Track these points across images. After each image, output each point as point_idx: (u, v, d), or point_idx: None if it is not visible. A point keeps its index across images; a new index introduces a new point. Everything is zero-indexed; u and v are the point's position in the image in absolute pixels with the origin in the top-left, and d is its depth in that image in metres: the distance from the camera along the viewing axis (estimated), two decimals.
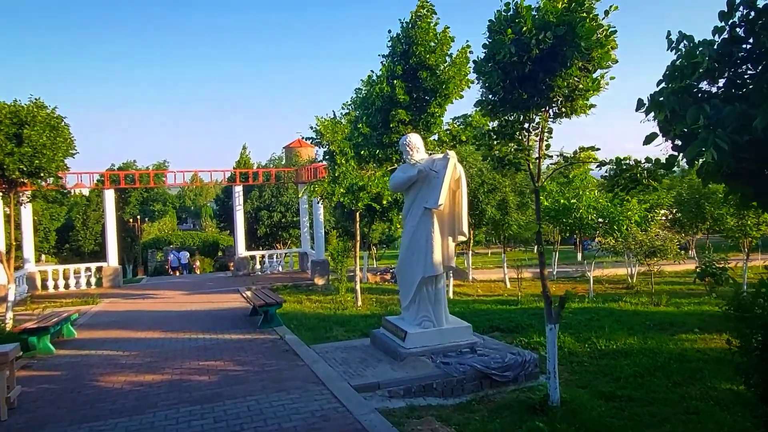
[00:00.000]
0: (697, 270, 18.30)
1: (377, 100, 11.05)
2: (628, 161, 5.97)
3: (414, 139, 8.51)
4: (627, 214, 17.03)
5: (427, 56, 10.76)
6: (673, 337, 10.04)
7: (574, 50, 5.63)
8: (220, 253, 42.61)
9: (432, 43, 10.81)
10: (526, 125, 6.41)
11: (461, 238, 8.49)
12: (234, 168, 27.83)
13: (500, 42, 5.64)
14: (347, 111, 15.52)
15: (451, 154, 8.00)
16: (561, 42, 5.61)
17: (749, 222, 17.99)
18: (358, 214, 15.71)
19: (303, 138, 14.87)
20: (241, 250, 22.56)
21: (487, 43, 6.01)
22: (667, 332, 10.53)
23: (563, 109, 6.35)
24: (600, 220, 17.34)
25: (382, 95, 11.04)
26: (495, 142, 6.65)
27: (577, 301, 16.31)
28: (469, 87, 10.93)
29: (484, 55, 6.25)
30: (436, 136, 11.56)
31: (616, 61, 6.15)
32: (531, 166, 6.67)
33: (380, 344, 8.82)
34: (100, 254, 33.56)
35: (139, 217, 35.28)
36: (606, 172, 6.35)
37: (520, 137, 6.46)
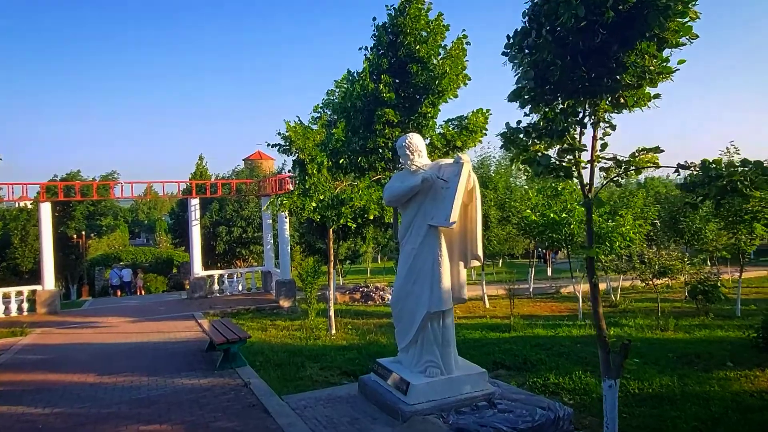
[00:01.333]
0: (688, 287, 17.30)
1: (358, 100, 9.41)
2: (719, 166, 4.50)
3: (416, 140, 6.89)
4: (620, 230, 15.86)
5: (418, 47, 9.24)
6: (708, 374, 8.68)
7: (658, 15, 4.12)
8: (174, 270, 39.84)
9: (423, 33, 9.30)
10: (584, 118, 4.84)
11: (475, 263, 6.88)
12: (190, 179, 25.55)
13: (562, 2, 4.07)
14: (318, 114, 13.81)
15: (465, 158, 6.40)
16: (643, 3, 4.10)
17: (743, 237, 17.17)
18: (331, 230, 13.95)
19: (269, 145, 13.10)
20: (198, 270, 20.35)
21: (535, 4, 4.45)
22: (698, 367, 9.19)
23: (623, 99, 4.84)
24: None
25: (364, 93, 9.41)
26: (535, 142, 5.05)
27: (569, 324, 14.97)
28: (465, 84, 9.44)
29: (524, 24, 4.70)
30: (428, 141, 10.00)
31: (696, 37, 4.69)
32: (580, 172, 5.12)
33: (373, 396, 7.06)
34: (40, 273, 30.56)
35: (84, 232, 32.28)
36: (683, 179, 4.89)
37: (572, 133, 4.89)
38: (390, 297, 24.57)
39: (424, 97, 9.28)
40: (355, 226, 13.01)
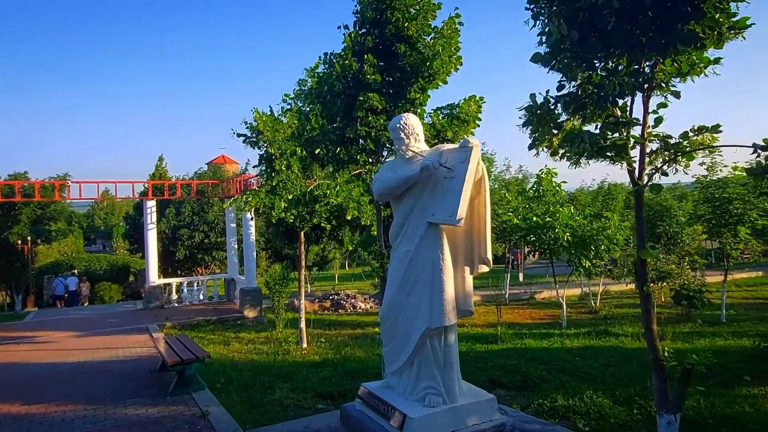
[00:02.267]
0: (672, 293, 16.67)
1: (338, 82, 8.22)
2: None
3: (412, 121, 5.75)
4: (606, 233, 15.10)
5: (406, 25, 8.14)
6: (730, 390, 7.80)
7: None
8: (131, 278, 37.57)
9: (412, 9, 8.20)
10: (644, 82, 3.78)
11: (483, 269, 5.75)
12: (148, 180, 23.74)
13: None
14: (289, 106, 12.52)
15: (473, 141, 5.29)
16: None
17: (729, 240, 16.69)
18: (303, 233, 12.67)
19: (236, 135, 11.74)
20: (153, 278, 18.67)
21: None
22: (713, 382, 8.31)
23: (677, 63, 3.82)
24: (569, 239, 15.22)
25: (345, 74, 8.22)
26: (568, 118, 3.97)
27: (558, 333, 14.07)
28: (457, 69, 8.36)
29: None
30: None
31: None
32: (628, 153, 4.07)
33: (360, 430, 5.85)
34: None
35: (29, 238, 29.84)
36: (753, 163, 3.89)
37: (624, 103, 3.83)
38: (362, 305, 23.33)
39: (412, 81, 8.18)
40: (329, 227, 11.77)
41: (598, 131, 4.01)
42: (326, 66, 8.74)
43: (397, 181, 5.57)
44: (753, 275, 31.13)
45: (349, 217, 8.09)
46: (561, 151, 4.23)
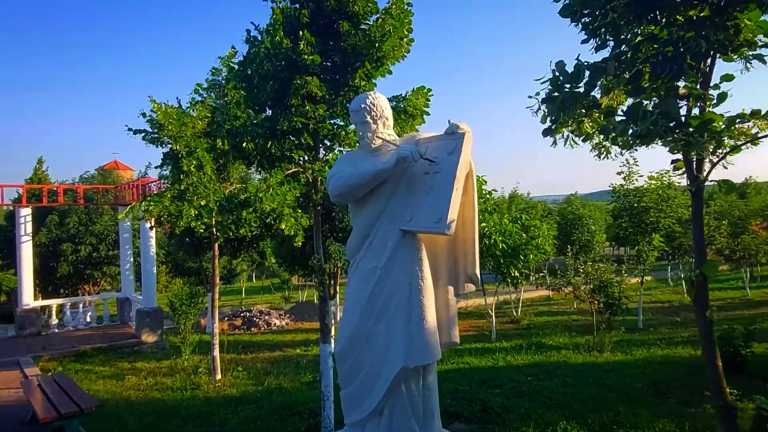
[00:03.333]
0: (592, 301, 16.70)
1: (267, 61, 6.79)
2: None
3: (382, 103, 4.54)
4: (535, 242, 14.75)
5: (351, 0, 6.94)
6: (697, 409, 7.29)
7: None
8: (3, 298, 32.67)
9: None
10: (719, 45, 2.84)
11: (470, 288, 4.62)
12: (23, 184, 20.32)
13: None
14: (201, 98, 10.77)
15: (464, 127, 4.17)
16: None
17: (645, 248, 17.08)
18: (217, 245, 10.93)
19: (133, 132, 9.80)
20: (28, 299, 15.73)
21: None
22: (674, 398, 7.82)
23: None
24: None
25: (275, 54, 6.81)
26: (623, 85, 2.96)
27: (493, 348, 13.39)
28: (408, 51, 7.25)
29: None
30: (353, 126, 7.61)
31: None
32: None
33: None
34: None
35: None
36: None
37: (690, 76, 2.88)
38: (278, 322, 21.49)
39: (357, 66, 6.95)
40: (251, 236, 10.17)
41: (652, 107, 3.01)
42: (251, 44, 7.27)
43: (364, 177, 4.29)
44: (647, 279, 33.06)
45: (283, 226, 6.67)
46: (595, 135, 3.21)
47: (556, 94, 3.28)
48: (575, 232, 24.76)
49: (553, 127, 3.53)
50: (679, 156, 3.40)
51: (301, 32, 6.75)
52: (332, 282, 14.87)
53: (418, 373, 4.33)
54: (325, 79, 7.07)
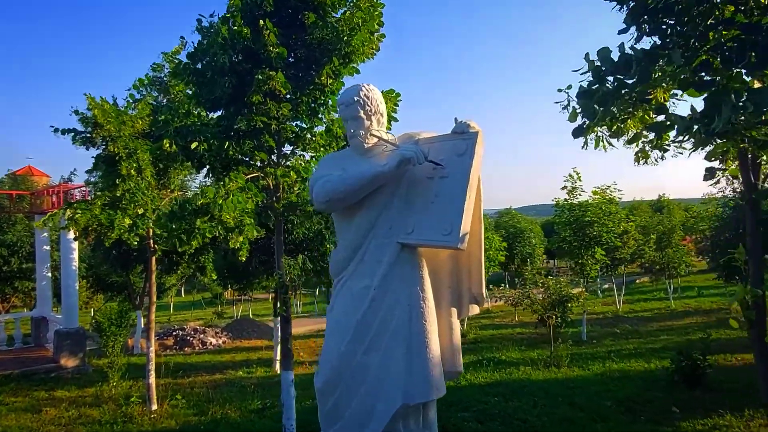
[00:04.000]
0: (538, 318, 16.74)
1: (223, 54, 6.03)
2: None
3: (376, 96, 3.96)
4: (487, 254, 14.55)
5: None
6: (668, 428, 7.11)
7: None
8: None
9: None
10: None
11: (475, 310, 4.09)
12: None
13: None
14: (141, 96, 9.71)
15: (474, 125, 3.66)
16: None
17: (588, 261, 17.37)
18: (155, 258, 9.84)
19: (61, 132, 8.60)
20: None
21: None
22: (645, 416, 7.63)
23: None
24: None
25: (233, 44, 6.07)
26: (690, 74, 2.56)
27: None
28: (378, 50, 6.70)
29: None
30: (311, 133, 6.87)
31: None
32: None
33: None
34: None
35: None
36: None
37: None
38: (213, 341, 20.10)
39: (324, 62, 6.31)
40: (192, 250, 9.21)
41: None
42: (204, 35, 6.48)
43: (359, 181, 3.67)
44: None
45: (241, 239, 5.86)
46: (644, 136, 2.78)
47: (595, 86, 2.82)
48: (518, 245, 25.06)
49: (585, 126, 3.08)
50: (715, 164, 3.04)
51: (261, 21, 6.04)
52: (277, 300, 13.96)
53: (418, 410, 3.74)
54: (289, 76, 6.38)
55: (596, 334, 19.00)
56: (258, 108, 6.09)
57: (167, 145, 5.84)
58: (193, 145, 5.88)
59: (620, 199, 17.72)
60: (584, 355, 13.43)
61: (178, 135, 6.07)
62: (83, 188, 15.22)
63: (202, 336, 19.60)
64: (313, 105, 6.49)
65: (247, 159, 6.26)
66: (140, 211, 8.66)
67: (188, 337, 19.39)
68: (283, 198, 6.50)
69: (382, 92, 7.21)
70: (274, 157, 6.54)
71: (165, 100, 9.90)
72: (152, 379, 9.39)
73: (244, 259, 7.35)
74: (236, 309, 38.00)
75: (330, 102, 6.61)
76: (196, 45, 6.57)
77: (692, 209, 31.19)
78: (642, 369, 10.88)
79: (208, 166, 6.57)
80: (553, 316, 11.96)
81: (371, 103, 3.86)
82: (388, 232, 3.79)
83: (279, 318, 13.88)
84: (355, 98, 3.81)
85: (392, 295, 3.73)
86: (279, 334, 13.82)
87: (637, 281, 38.93)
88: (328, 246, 12.38)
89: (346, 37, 6.32)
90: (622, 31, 3.20)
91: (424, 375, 3.60)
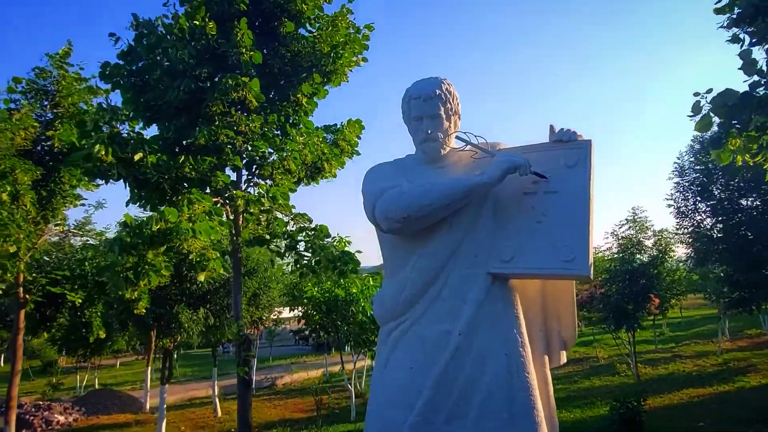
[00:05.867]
0: None
1: (180, 50, 4.89)
2: None
3: (457, 93, 3.24)
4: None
5: None
6: None
7: None
8: None
9: None
10: None
11: (563, 358, 3.36)
12: None
13: None
14: (17, 104, 7.76)
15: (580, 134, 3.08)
16: None
17: None
18: (23, 312, 7.63)
19: None
20: None
21: None
22: None
23: None
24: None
25: (192, 39, 4.96)
26: None
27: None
28: (359, 64, 5.97)
29: None
30: (276, 156, 5.76)
31: None
32: None
33: None
34: None
35: None
36: None
37: None
38: (62, 419, 16.41)
39: (303, 77, 5.39)
40: (80, 301, 7.36)
41: None
42: (141, 33, 5.23)
43: (451, 193, 2.83)
44: None
45: (201, 278, 4.52)
46: None
47: (758, 91, 2.44)
48: None
49: (723, 135, 2.67)
50: None
51: (235, 21, 5.04)
52: (168, 363, 11.76)
53: None
54: (260, 86, 5.37)
55: None
56: (221, 120, 4.96)
57: (101, 152, 4.41)
58: (137, 156, 4.54)
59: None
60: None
61: (114, 143, 4.67)
62: None
63: (46, 414, 15.94)
64: (284, 125, 5.50)
65: (204, 180, 5.01)
66: (12, 249, 6.69)
67: (27, 416, 15.62)
68: (247, 230, 5.29)
69: (349, 120, 6.47)
70: (233, 180, 5.36)
71: (50, 114, 8.07)
72: None
73: (144, 311, 5.95)
74: (78, 379, 32.40)
75: (302, 122, 5.67)
76: (130, 43, 5.30)
77: None
78: (592, 414, 10.88)
79: (135, 190, 5.16)
80: None
81: (453, 101, 3.13)
82: (473, 261, 2.97)
83: (164, 386, 11.69)
84: (437, 91, 3.04)
85: (483, 343, 2.88)
86: (161, 405, 11.59)
87: None
88: (229, 300, 10.81)
89: (330, 53, 5.51)
90: (734, 41, 2.94)
91: None
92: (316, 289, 13.29)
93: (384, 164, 3.34)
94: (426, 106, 3.05)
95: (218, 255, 4.60)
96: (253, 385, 21.00)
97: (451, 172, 3.08)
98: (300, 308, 16.10)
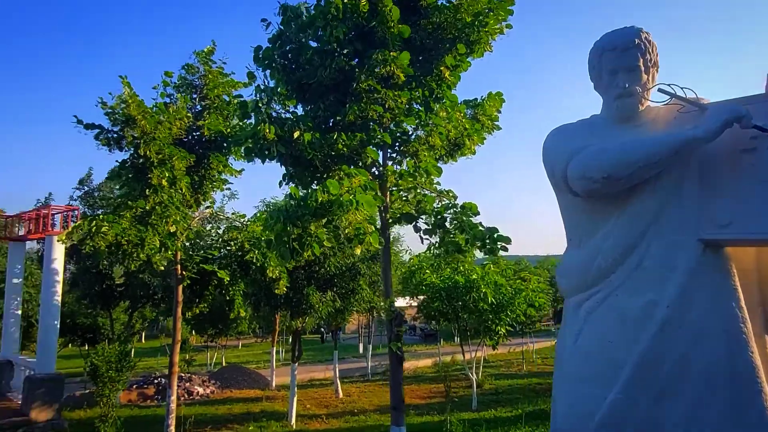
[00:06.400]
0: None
1: (337, 27, 4.96)
2: None
3: (653, 41, 2.92)
4: (524, 294, 13.53)
5: None
6: None
7: None
8: None
9: None
10: None
11: None
12: None
13: None
14: (171, 99, 8.43)
15: None
16: None
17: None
18: (181, 287, 8.33)
19: (85, 126, 7.26)
20: None
21: None
22: None
23: None
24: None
25: (346, 18, 5.01)
26: None
27: (490, 418, 11.61)
28: (503, 32, 5.72)
29: None
30: (420, 132, 5.77)
31: None
32: None
33: None
34: None
35: None
36: None
37: None
38: (201, 390, 17.95)
39: (446, 48, 5.31)
40: (228, 279, 7.84)
41: None
42: (288, 17, 5.39)
43: (660, 150, 2.57)
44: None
45: (358, 251, 4.62)
46: None
47: None
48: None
49: None
50: None
51: None
52: (298, 344, 12.34)
53: None
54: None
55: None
56: (368, 96, 4.99)
57: (266, 130, 4.62)
58: (296, 134, 4.69)
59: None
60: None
61: (276, 124, 4.87)
62: (67, 211, 13.51)
63: (187, 385, 17.50)
64: (428, 98, 5.42)
65: (352, 157, 5.10)
66: (172, 229, 7.28)
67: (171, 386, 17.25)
68: (393, 209, 5.31)
69: (490, 93, 6.21)
70: (380, 159, 5.40)
71: (199, 106, 8.69)
72: None
73: (283, 290, 6.10)
74: (208, 356, 35.26)
75: (446, 95, 5.55)
76: (280, 25, 5.49)
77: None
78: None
79: (289, 168, 5.34)
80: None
81: (652, 51, 2.84)
82: (680, 227, 2.68)
83: (295, 364, 12.31)
84: (636, 41, 2.77)
85: (697, 317, 2.58)
86: (292, 382, 12.21)
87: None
88: (360, 281, 11.04)
89: (473, 22, 5.33)
90: None
91: None
92: (435, 275, 13.27)
93: (569, 124, 3.12)
94: (624, 57, 2.80)
95: (374, 229, 4.63)
96: (369, 371, 21.57)
97: (648, 131, 2.80)
98: (417, 297, 16.05)
